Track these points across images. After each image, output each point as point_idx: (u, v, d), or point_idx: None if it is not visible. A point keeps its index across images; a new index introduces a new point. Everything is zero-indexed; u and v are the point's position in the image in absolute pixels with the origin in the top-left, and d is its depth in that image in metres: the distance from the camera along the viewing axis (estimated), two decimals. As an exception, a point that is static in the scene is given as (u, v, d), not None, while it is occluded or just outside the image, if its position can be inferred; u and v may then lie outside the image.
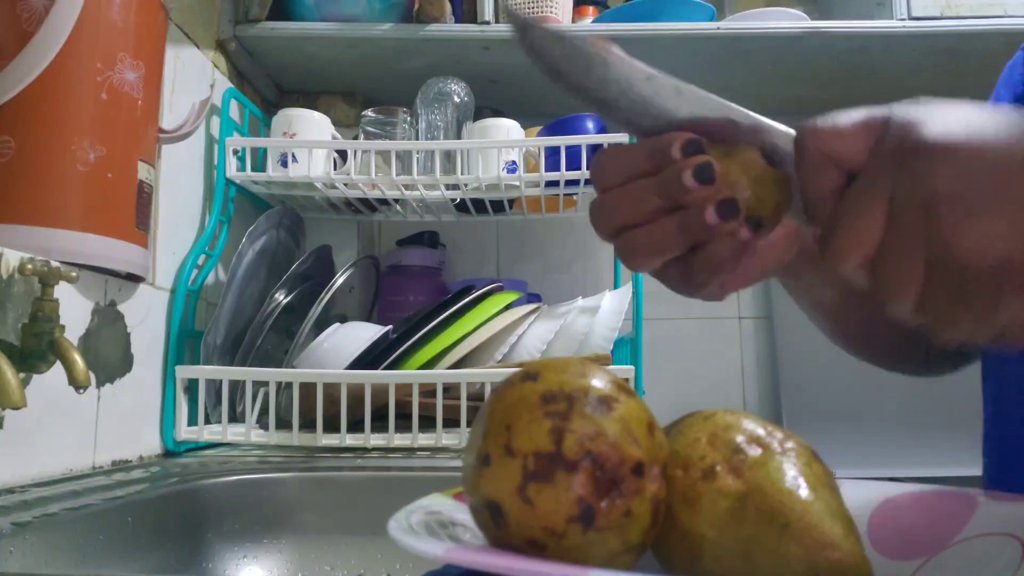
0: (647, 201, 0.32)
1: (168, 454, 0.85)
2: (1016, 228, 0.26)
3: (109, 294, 0.74)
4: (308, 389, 0.81)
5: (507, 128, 1.04)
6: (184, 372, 0.84)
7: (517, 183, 1.02)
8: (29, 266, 0.58)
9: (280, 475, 0.70)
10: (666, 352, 1.31)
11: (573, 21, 1.16)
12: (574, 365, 0.28)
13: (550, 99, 1.21)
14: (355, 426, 0.82)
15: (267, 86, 1.22)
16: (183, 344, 0.87)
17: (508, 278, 1.29)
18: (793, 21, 1.10)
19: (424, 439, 0.82)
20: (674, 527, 0.27)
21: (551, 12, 1.11)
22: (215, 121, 1.02)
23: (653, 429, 0.28)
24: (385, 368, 0.84)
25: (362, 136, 1.06)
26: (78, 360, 0.55)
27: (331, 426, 0.81)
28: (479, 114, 1.10)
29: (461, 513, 0.31)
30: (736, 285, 0.34)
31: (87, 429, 0.70)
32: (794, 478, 0.27)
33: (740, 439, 0.28)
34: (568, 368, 0.28)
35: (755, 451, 0.28)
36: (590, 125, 1.05)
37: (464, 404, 0.82)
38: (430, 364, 0.87)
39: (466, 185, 1.03)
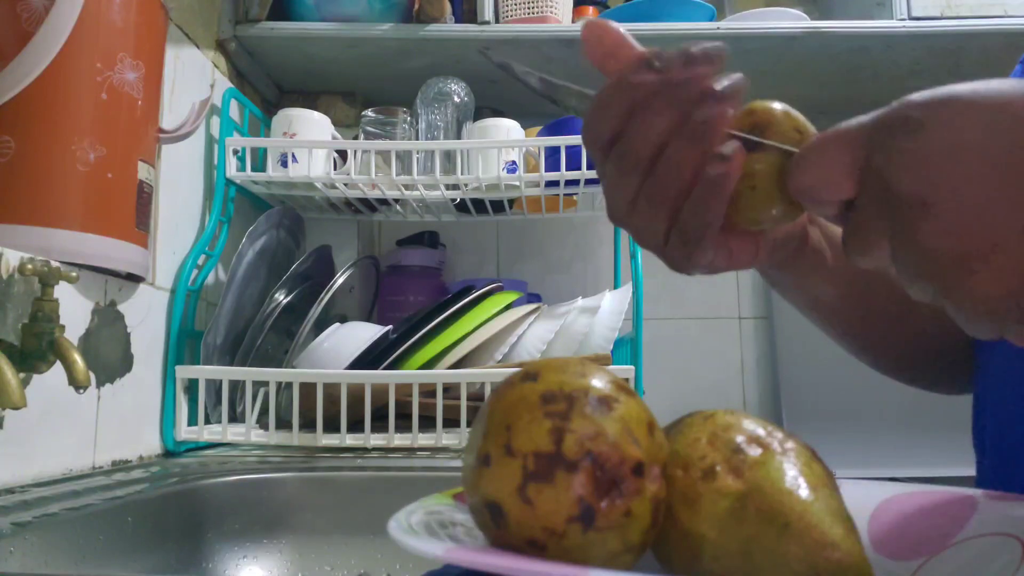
0: (645, 88, 0.32)
1: (168, 454, 0.85)
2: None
3: (109, 294, 0.74)
4: (308, 389, 0.81)
5: (507, 128, 1.04)
6: (184, 372, 0.84)
7: (517, 183, 1.02)
8: (29, 266, 0.58)
9: (280, 475, 0.70)
10: (666, 352, 1.31)
11: (573, 21, 1.16)
12: (574, 365, 0.28)
13: (550, 99, 1.22)
14: (355, 426, 0.82)
15: (267, 86, 1.22)
16: (183, 344, 0.87)
17: (508, 278, 1.29)
18: (793, 21, 1.10)
19: (424, 439, 0.82)
20: (674, 527, 0.27)
21: (551, 12, 1.11)
22: (215, 121, 1.02)
23: (653, 429, 0.28)
24: (385, 368, 0.84)
25: (362, 136, 1.06)
26: (78, 360, 0.55)
27: (331, 426, 0.81)
28: (479, 114, 1.10)
29: (461, 513, 0.31)
30: (705, 259, 0.34)
31: (87, 429, 0.70)
32: (794, 478, 0.27)
33: (740, 439, 0.28)
34: (568, 368, 0.28)
35: (755, 451, 0.28)
36: (590, 125, 1.04)
37: (464, 404, 0.82)
38: (430, 364, 0.87)
39: (466, 185, 1.03)
